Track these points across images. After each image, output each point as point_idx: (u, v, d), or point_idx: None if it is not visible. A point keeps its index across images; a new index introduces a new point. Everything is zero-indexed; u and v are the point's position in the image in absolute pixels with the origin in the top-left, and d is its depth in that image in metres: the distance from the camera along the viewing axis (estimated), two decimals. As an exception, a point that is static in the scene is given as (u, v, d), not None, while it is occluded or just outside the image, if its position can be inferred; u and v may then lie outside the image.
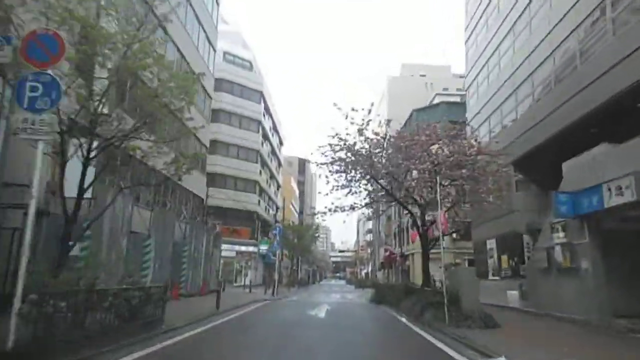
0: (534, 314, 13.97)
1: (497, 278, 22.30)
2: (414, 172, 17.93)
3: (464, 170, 14.81)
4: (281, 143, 58.64)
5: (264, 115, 44.10)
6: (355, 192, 18.82)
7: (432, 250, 38.03)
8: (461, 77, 67.70)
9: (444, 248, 34.13)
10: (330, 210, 18.48)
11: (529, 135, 18.57)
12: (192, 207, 23.01)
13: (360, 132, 16.30)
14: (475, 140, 17.25)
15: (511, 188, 20.28)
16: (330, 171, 17.11)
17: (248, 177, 40.66)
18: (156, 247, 15.58)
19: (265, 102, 44.38)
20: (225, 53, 40.31)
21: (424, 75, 71.37)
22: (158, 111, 7.96)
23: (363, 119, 16.26)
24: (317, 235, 49.63)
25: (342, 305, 18.52)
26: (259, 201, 42.42)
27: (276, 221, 50.04)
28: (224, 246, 38.48)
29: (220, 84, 39.65)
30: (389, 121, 16.59)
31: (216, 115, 39.33)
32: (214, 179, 38.43)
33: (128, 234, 13.43)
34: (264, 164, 45.58)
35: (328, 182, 17.92)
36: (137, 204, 14.77)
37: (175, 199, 20.79)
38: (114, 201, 9.95)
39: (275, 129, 51.91)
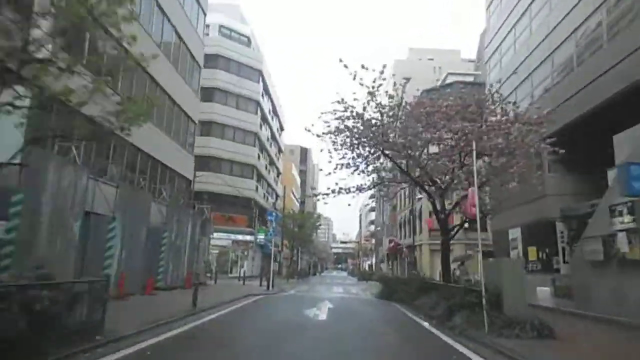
0: (582, 316, 11.35)
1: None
2: (432, 148, 15.26)
3: (499, 140, 12.04)
4: (282, 128, 55.87)
5: (262, 96, 41.29)
6: (363, 171, 16.17)
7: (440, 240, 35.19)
8: (470, 61, 64.62)
9: (454, 239, 30.60)
10: (333, 191, 15.74)
11: (569, 104, 15.81)
12: (176, 188, 20.35)
13: (372, 95, 13.56)
14: (514, 103, 14.44)
15: (543, 168, 17.55)
16: (333, 143, 14.39)
17: (245, 161, 37.99)
18: (124, 231, 12.96)
19: (264, 81, 41.54)
20: (221, 26, 37.44)
21: (432, 59, 68.29)
22: (78, 20, 5.26)
23: (374, 81, 13.49)
24: (318, 224, 47.05)
25: (346, 302, 15.92)
26: (257, 187, 39.80)
27: (275, 209, 47.57)
28: (218, 235, 35.95)
29: (216, 60, 36.87)
30: (407, 80, 13.81)
31: (210, 93, 36.64)
32: (208, 163, 35.86)
33: (83, 215, 10.80)
34: (262, 148, 42.87)
35: (331, 159, 15.23)
36: (97, 178, 12.12)
37: (155, 177, 18.12)
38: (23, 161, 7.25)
39: (275, 112, 49.10)
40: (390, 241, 48.15)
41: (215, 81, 36.36)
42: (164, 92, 17.79)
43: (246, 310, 12.04)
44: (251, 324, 9.38)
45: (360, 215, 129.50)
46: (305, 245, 51.39)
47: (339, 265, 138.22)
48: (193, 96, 22.52)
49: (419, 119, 13.53)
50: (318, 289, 23.76)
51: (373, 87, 13.48)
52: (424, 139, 13.20)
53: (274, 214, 21.29)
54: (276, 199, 50.83)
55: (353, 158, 15.35)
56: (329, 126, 14.22)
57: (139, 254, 14.05)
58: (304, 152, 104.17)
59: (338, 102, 13.85)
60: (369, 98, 13.66)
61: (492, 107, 13.70)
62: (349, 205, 23.57)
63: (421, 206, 38.21)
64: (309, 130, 13.98)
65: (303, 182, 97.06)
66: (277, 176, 53.77)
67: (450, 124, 12.84)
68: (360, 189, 16.55)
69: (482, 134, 12.50)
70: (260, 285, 22.64)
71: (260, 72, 40.04)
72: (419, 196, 34.82)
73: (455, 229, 16.37)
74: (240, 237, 36.79)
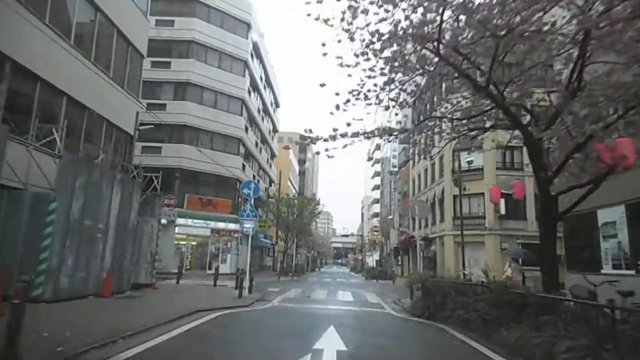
0: None
1: (627, 272, 12.86)
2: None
3: None
4: (277, 104, 48.90)
5: (252, 56, 34.31)
6: (395, 101, 9.34)
7: (468, 232, 28.16)
8: None
9: (486, 228, 23.78)
10: (344, 135, 8.79)
11: None
12: (102, 141, 13.51)
13: None
14: None
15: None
16: (348, 29, 7.49)
17: (229, 134, 31.08)
18: None
19: (254, 39, 34.55)
20: (198, -35, 30.42)
21: None
22: None
23: None
24: (318, 212, 40.08)
25: (367, 328, 9.03)
26: (244, 166, 32.94)
27: (269, 196, 40.77)
28: (195, 222, 29.24)
29: (193, 7, 29.95)
30: None
31: (186, 47, 29.79)
32: (182, 133, 29.14)
33: None
34: (252, 121, 35.98)
35: (341, 67, 8.33)
36: None
37: (53, 116, 11.28)
38: None
39: (268, 82, 42.14)
40: (401, 233, 41.43)
41: (192, 32, 29.39)
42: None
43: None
44: None
45: (363, 207, 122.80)
46: (302, 237, 44.62)
47: (339, 261, 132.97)
48: (137, 14, 15.60)
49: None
50: (316, 295, 16.97)
51: None
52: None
53: (252, 185, 14.50)
54: (270, 184, 44.13)
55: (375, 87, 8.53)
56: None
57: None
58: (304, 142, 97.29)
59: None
60: None
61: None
62: (371, 159, 16.61)
63: (443, 189, 31.46)
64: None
65: (302, 175, 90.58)
66: (271, 158, 46.95)
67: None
68: (388, 132, 9.73)
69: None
70: (236, 288, 15.84)
71: (248, 26, 33.02)
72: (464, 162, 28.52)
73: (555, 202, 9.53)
74: (221, 225, 30.03)
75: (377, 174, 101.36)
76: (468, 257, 29.71)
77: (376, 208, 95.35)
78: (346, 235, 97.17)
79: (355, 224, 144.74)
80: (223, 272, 29.14)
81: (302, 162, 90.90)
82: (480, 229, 28.14)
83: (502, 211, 27.05)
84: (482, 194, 28.38)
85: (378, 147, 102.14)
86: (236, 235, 30.63)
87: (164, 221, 28.42)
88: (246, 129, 33.17)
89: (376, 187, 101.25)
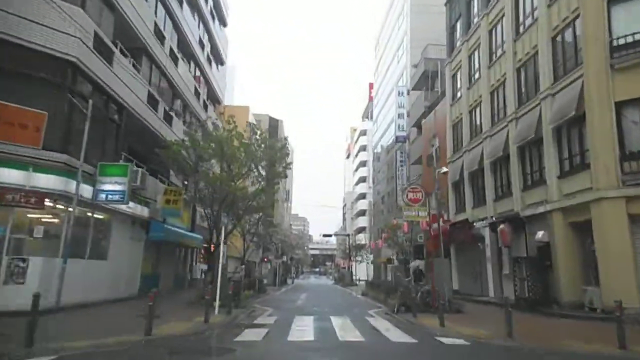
0: None
1: None
2: None
3: None
4: (221, 17, 30.08)
5: None
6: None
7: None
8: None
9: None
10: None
11: None
12: None
13: None
14: None
15: None
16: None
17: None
18: None
19: None
20: None
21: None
22: None
23: None
24: (287, 162, 19.05)
25: None
26: (98, 38, 13.61)
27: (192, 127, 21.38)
28: None
29: None
30: None
31: None
32: None
33: None
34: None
35: None
36: None
37: None
38: None
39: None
40: (432, 218, 23.19)
41: None
42: None
43: None
44: None
45: (345, 204, 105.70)
46: (260, 224, 25.40)
47: (317, 269, 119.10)
48: None
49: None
50: None
51: None
52: None
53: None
54: (192, 127, 24.86)
55: None
56: None
57: None
58: (275, 125, 79.05)
59: None
60: None
61: None
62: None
63: (576, 98, 13.37)
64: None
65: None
66: (210, 102, 27.97)
67: None
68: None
69: None
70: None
71: None
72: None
73: None
74: (17, 175, 10.79)
75: (362, 164, 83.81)
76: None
77: (362, 205, 78.37)
78: (328, 235, 78.26)
79: (332, 230, 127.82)
80: (16, 308, 9.92)
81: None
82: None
83: None
84: None
85: (364, 133, 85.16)
86: (66, 207, 11.47)
87: None
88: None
89: (361, 180, 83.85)
